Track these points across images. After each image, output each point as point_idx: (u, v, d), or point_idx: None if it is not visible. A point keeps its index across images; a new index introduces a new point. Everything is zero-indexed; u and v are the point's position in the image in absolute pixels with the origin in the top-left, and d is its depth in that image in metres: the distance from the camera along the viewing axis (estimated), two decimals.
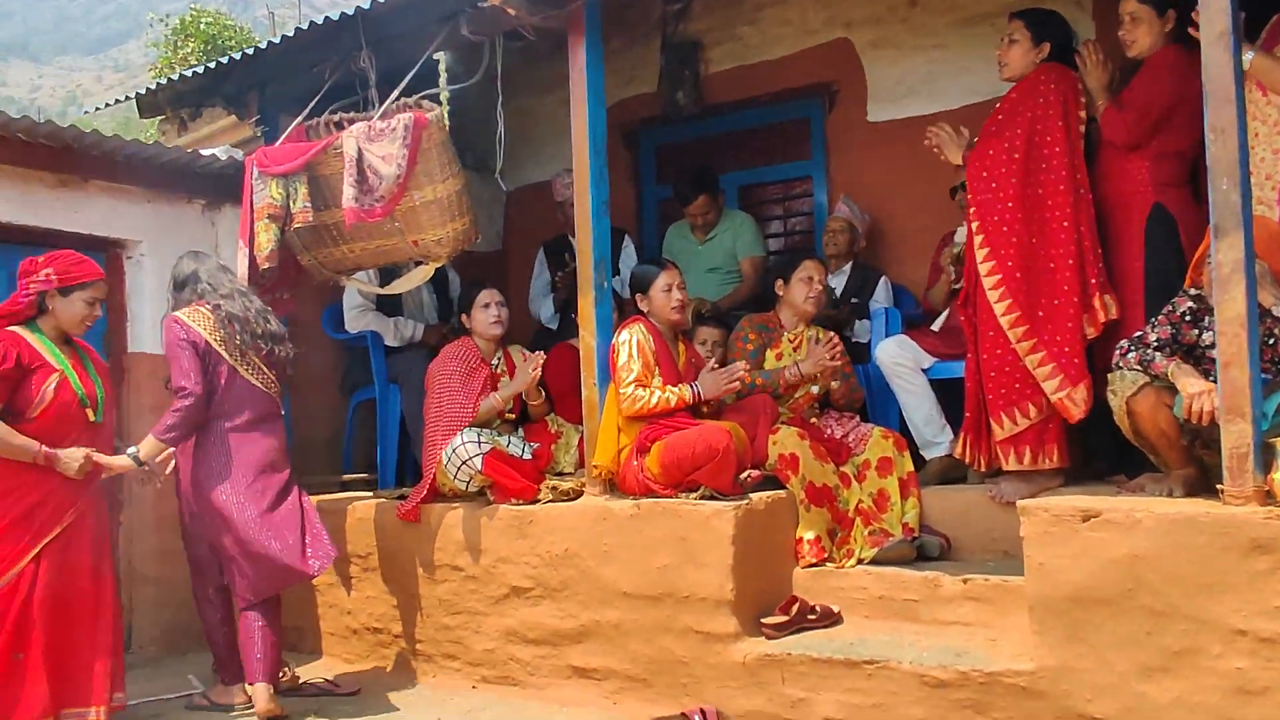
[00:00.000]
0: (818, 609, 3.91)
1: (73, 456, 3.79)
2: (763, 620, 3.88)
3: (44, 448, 3.75)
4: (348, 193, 4.49)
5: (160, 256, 5.34)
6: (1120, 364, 3.44)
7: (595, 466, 4.33)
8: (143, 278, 5.30)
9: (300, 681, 4.53)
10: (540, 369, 4.69)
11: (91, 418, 3.93)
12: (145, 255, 5.38)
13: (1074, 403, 3.82)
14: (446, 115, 4.57)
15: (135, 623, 5.29)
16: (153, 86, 5.71)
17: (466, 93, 5.08)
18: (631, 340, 4.33)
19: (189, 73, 5.50)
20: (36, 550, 3.75)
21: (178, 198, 5.54)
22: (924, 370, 4.60)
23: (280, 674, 4.31)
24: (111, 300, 5.37)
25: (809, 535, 4.16)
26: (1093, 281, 3.90)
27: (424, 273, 4.93)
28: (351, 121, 4.71)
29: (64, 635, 3.80)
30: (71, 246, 4.97)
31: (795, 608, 3.90)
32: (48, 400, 3.81)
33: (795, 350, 4.69)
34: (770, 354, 4.68)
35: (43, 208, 4.96)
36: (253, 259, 4.63)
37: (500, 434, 4.71)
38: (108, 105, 6.40)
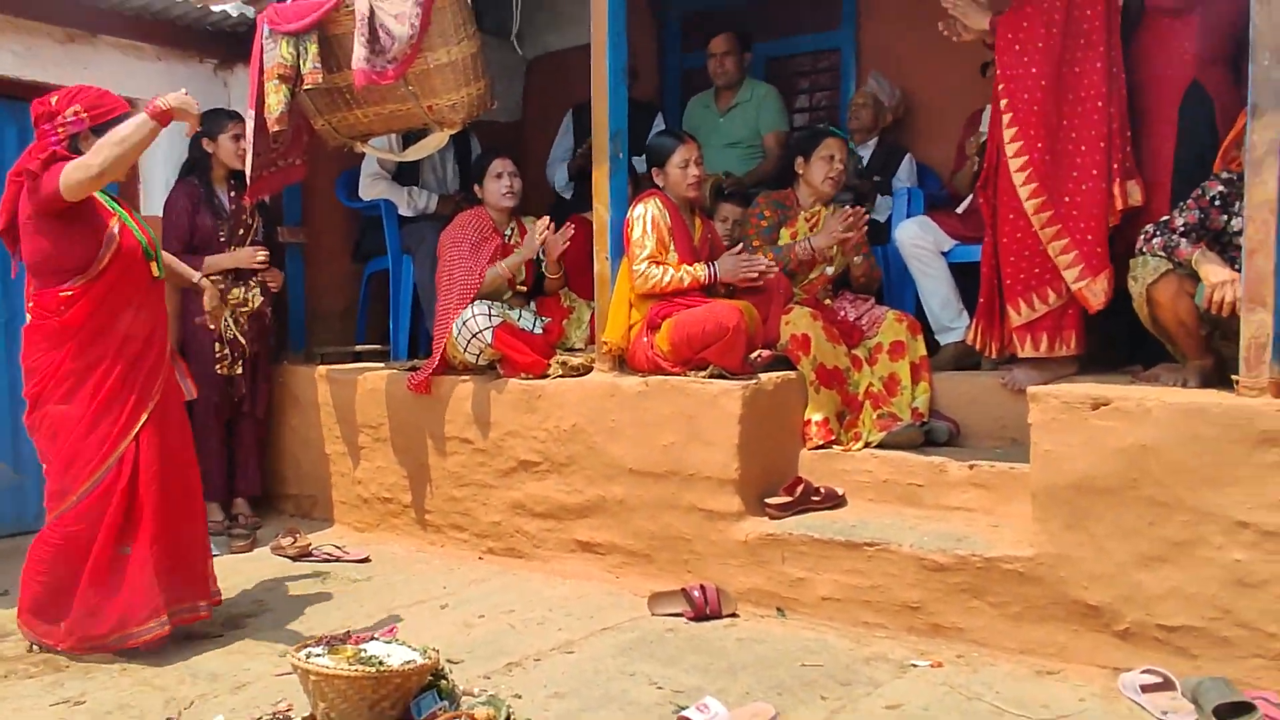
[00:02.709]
0: (822, 491, 3.90)
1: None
2: (766, 500, 3.88)
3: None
4: (358, 53, 4.34)
5: None
6: (1143, 249, 3.32)
7: (605, 342, 4.30)
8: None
9: (310, 547, 4.61)
10: (548, 235, 4.59)
11: (155, 273, 3.54)
12: None
13: (1093, 293, 3.70)
14: None
15: None
16: None
17: None
18: (646, 215, 4.24)
19: None
20: (136, 428, 3.42)
21: (189, 56, 5.44)
22: (944, 253, 4.48)
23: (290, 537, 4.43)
24: None
25: (817, 417, 4.12)
26: (1115, 166, 3.72)
27: (439, 139, 4.80)
28: None
29: (171, 522, 3.50)
30: None
31: (800, 489, 3.88)
32: (114, 246, 3.39)
33: (811, 230, 4.56)
34: (785, 232, 4.57)
35: (50, 63, 4.87)
36: (261, 122, 4.52)
37: (512, 307, 4.67)
38: None
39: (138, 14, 5.11)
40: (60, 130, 3.43)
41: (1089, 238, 3.67)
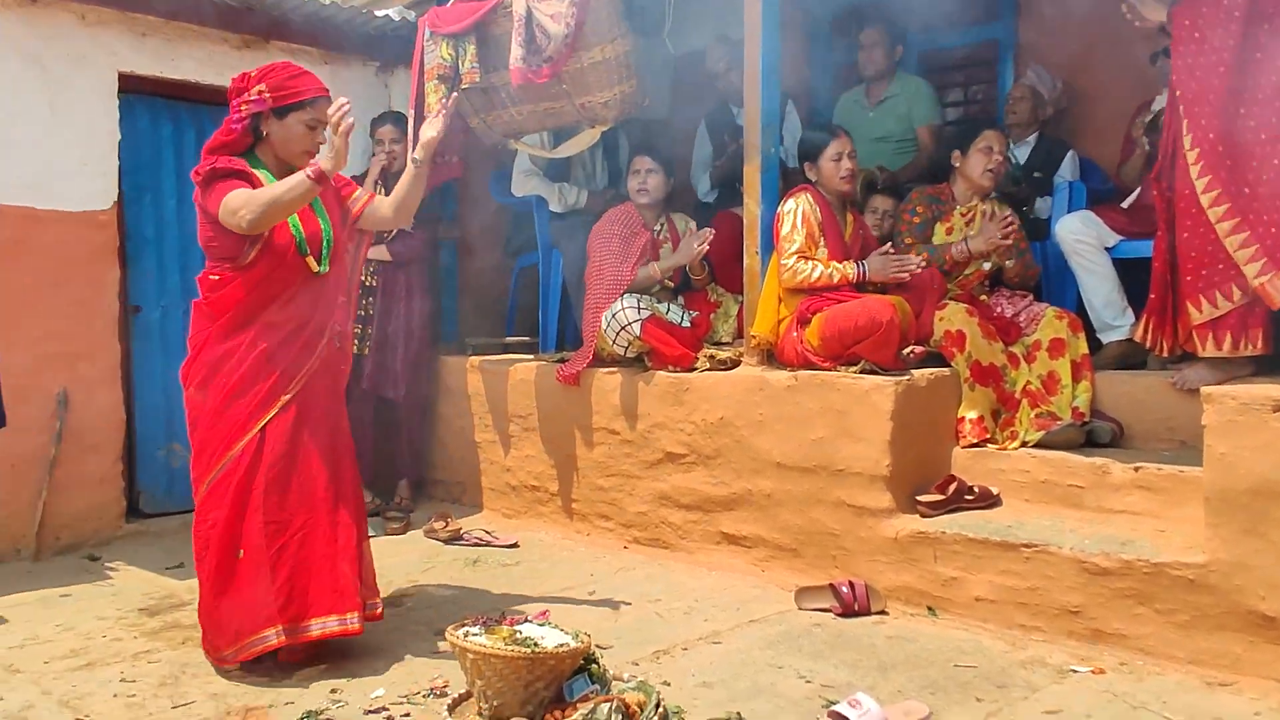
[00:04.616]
0: (976, 489, 3.81)
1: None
2: (918, 498, 3.81)
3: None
4: (515, 52, 4.47)
5: None
6: None
7: (753, 336, 4.29)
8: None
9: (461, 531, 4.73)
10: (706, 245, 4.60)
11: (314, 268, 3.27)
12: None
13: (1276, 289, 3.49)
14: None
15: None
16: None
17: None
18: (797, 210, 4.22)
19: None
20: (260, 425, 3.22)
21: (353, 59, 5.67)
22: (1108, 249, 4.31)
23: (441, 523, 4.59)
24: None
25: (971, 415, 4.02)
26: None
27: (590, 136, 4.90)
28: None
29: (300, 527, 3.24)
30: None
31: (953, 487, 3.80)
32: (261, 243, 3.19)
33: (968, 225, 4.46)
34: (940, 228, 4.47)
35: (226, 68, 5.12)
36: (421, 120, 4.68)
37: (660, 301, 4.70)
38: None
39: (306, 20, 5.36)
40: (243, 108, 3.23)
41: (1273, 230, 3.46)
